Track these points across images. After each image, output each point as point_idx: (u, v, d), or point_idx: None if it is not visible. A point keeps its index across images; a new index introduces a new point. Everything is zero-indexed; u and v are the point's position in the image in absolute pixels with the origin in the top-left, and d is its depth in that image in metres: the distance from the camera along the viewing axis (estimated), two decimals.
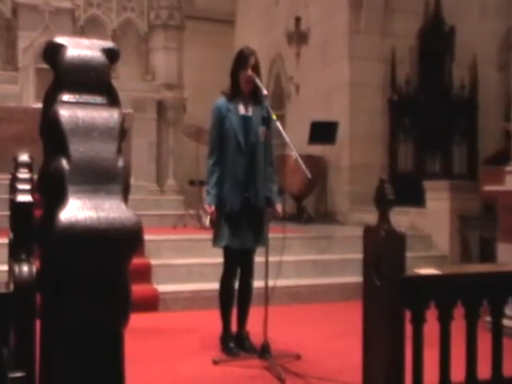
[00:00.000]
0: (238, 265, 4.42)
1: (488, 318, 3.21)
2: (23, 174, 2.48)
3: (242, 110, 4.39)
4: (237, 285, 4.47)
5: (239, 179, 4.30)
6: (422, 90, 9.60)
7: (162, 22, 11.16)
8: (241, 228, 4.30)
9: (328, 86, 9.99)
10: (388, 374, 2.83)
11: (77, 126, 0.91)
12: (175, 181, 10.83)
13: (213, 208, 4.30)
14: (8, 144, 7.48)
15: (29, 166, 2.58)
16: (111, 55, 0.99)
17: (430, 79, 9.62)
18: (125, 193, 0.90)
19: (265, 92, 4.22)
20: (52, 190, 0.90)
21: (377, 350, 2.89)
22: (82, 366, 0.91)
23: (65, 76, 0.96)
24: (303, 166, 4.12)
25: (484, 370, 3.07)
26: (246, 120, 4.36)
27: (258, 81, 4.27)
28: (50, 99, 0.97)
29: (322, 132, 9.25)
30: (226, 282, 4.43)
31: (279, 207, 4.40)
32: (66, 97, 0.96)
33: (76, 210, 0.86)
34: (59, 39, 0.98)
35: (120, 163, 0.92)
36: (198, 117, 9.51)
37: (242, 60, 4.33)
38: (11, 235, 2.27)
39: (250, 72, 4.29)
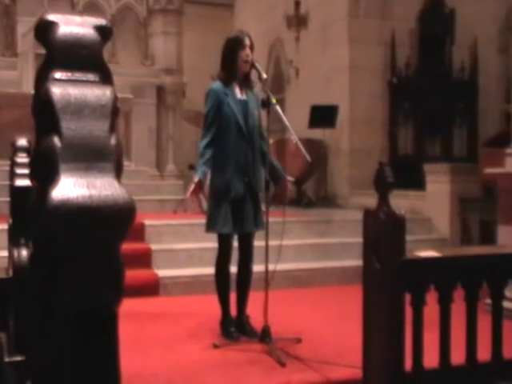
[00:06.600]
0: (232, 249, 4.42)
1: (488, 300, 3.22)
2: (21, 158, 2.48)
3: (238, 93, 4.37)
4: (236, 269, 4.48)
5: (241, 164, 4.27)
6: (422, 73, 9.55)
7: (161, 6, 11.11)
8: (242, 213, 4.28)
9: (328, 70, 9.95)
10: (388, 356, 2.84)
11: (68, 104, 0.90)
12: (175, 165, 10.82)
13: (196, 179, 4.16)
14: (7, 130, 7.45)
15: (27, 151, 2.57)
16: (104, 32, 0.98)
17: (430, 62, 9.57)
18: (117, 171, 0.90)
19: (264, 75, 4.20)
20: (44, 169, 0.89)
21: (377, 333, 2.89)
22: (75, 348, 0.90)
23: (56, 54, 0.95)
24: (303, 149, 4.11)
25: (484, 352, 3.08)
26: (243, 104, 4.34)
27: (257, 64, 4.25)
28: (41, 77, 0.96)
29: (322, 116, 9.22)
30: (220, 266, 4.41)
31: (290, 178, 4.40)
32: (57, 75, 0.95)
33: (68, 188, 0.85)
34: (51, 16, 0.97)
35: (112, 141, 0.91)
36: (198, 101, 9.44)
37: (238, 41, 4.30)
38: (11, 220, 2.27)
39: (248, 51, 4.26)
